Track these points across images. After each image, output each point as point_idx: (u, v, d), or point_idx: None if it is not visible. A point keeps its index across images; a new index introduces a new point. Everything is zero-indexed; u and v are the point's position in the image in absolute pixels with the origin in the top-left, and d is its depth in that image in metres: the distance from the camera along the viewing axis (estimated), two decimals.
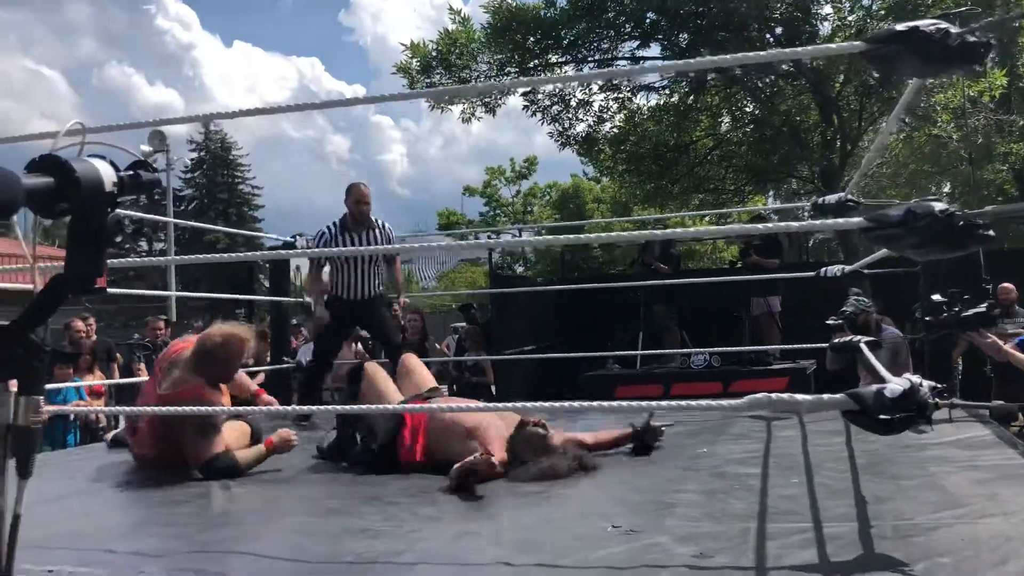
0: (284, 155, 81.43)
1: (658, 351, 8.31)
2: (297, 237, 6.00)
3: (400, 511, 2.88)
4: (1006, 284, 7.76)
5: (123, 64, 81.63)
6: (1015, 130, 16.56)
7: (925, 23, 2.20)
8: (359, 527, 2.61)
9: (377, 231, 5.66)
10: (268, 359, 6.84)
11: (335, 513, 2.89)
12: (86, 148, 1.28)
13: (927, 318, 4.81)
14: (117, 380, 7.76)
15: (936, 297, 5.13)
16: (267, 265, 9.30)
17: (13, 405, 1.21)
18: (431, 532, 2.55)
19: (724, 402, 2.34)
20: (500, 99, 13.47)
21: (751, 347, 7.89)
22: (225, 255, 3.85)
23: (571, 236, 3.81)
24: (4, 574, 1.19)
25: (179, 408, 3.27)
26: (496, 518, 2.68)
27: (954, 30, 2.20)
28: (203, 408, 3.44)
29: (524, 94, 13.36)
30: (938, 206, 2.02)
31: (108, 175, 1.22)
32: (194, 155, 44.42)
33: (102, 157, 1.24)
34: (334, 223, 5.65)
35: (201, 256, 3.98)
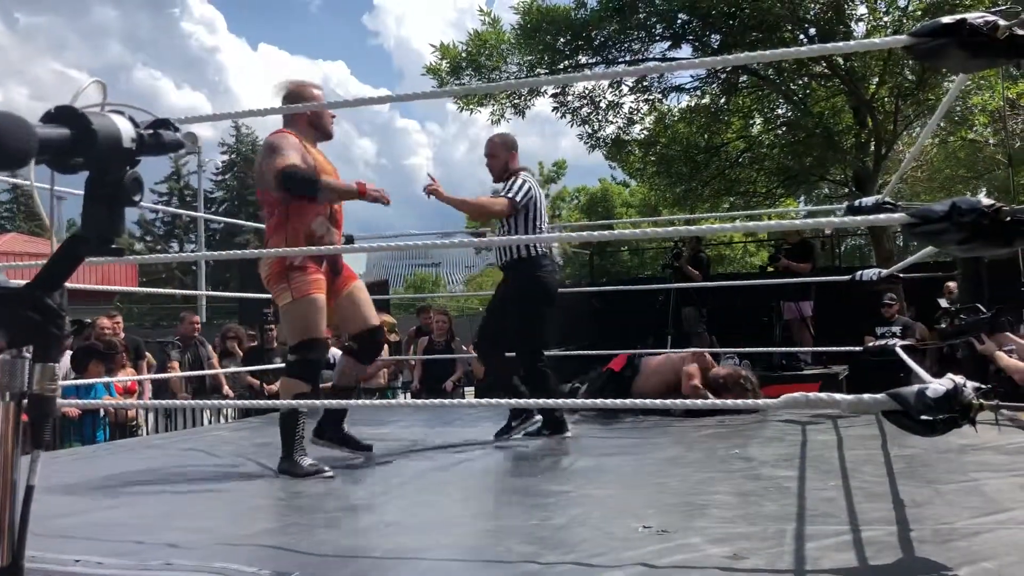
0: None
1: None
2: None
3: (427, 508, 2.86)
4: (951, 283, 7.64)
5: (149, 67, 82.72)
6: None
7: (973, 16, 2.14)
8: (386, 521, 2.59)
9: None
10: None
11: (358, 509, 2.88)
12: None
13: (937, 326, 4.90)
14: (148, 376, 7.82)
15: (943, 303, 5.20)
16: None
17: (28, 372, 1.18)
18: (459, 529, 2.52)
19: (760, 401, 2.28)
20: (529, 101, 13.44)
21: (782, 349, 7.79)
22: (254, 251, 3.88)
23: (597, 232, 3.67)
24: (17, 545, 1.16)
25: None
26: (525, 516, 2.65)
27: (1002, 22, 2.14)
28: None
29: (554, 95, 13.31)
30: (985, 201, 1.96)
31: (127, 131, 1.19)
32: (225, 157, 44.93)
33: (121, 113, 1.21)
34: None
35: (231, 252, 4.02)
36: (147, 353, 8.55)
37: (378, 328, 3.99)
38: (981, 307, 4.51)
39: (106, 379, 6.72)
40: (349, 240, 6.02)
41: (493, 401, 2.86)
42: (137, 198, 1.21)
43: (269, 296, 9.06)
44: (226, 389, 8.17)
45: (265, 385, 8.27)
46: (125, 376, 7.31)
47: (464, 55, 12.88)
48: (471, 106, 13.43)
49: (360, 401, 3.69)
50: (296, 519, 2.72)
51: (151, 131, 1.25)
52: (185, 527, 2.62)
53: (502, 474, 3.65)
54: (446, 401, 3.64)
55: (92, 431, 6.68)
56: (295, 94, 3.83)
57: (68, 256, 1.21)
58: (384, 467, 3.76)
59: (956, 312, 4.94)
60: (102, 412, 6.75)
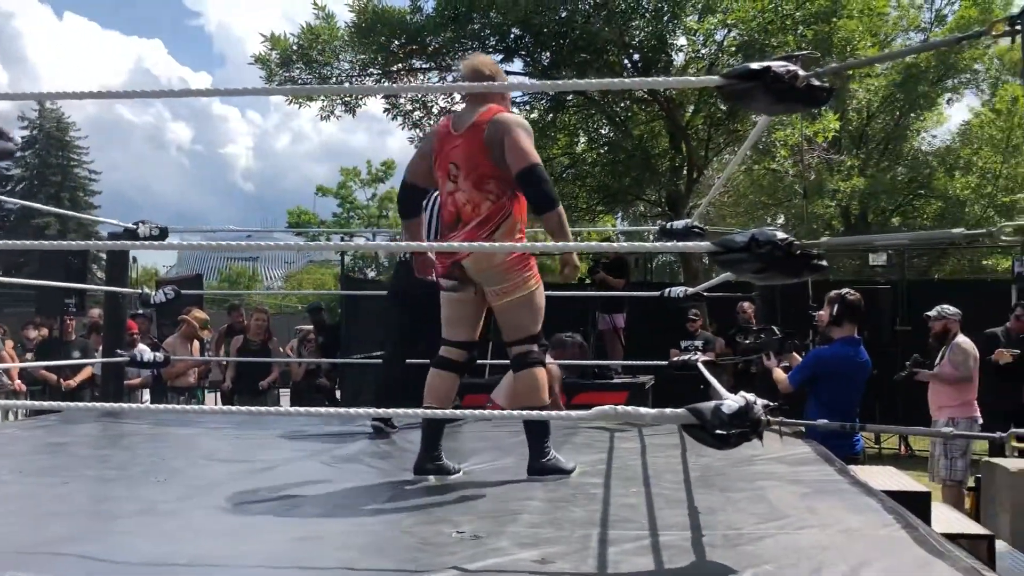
0: (120, 139, 77.36)
1: (506, 361, 8.41)
2: (140, 225, 5.64)
3: (238, 514, 2.79)
4: (745, 303, 8.40)
5: None
6: (843, 169, 17.91)
7: (777, 64, 2.35)
8: (193, 527, 2.52)
9: None
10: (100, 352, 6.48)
11: (162, 515, 2.77)
12: None
13: (738, 340, 5.44)
14: None
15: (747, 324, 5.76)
16: (102, 253, 8.82)
17: None
18: (272, 536, 2.49)
19: (573, 412, 2.41)
20: (360, 99, 13.31)
21: (594, 363, 8.11)
22: (62, 243, 3.64)
23: (429, 243, 3.70)
24: None
25: None
26: (341, 523, 2.64)
27: (802, 73, 2.36)
28: None
29: (385, 97, 13.24)
30: (779, 235, 2.16)
31: None
32: (25, 133, 41.60)
33: None
34: None
35: (31, 243, 3.75)
36: None
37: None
38: (775, 329, 4.96)
39: None
40: (163, 233, 5.75)
41: (319, 411, 2.83)
42: None
43: (70, 285, 8.51)
44: (17, 383, 7.61)
45: (62, 380, 7.76)
46: None
47: (295, 48, 12.60)
48: (299, 100, 13.16)
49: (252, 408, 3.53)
50: (96, 525, 2.59)
51: None
52: None
53: (319, 481, 3.60)
54: (303, 409, 3.54)
55: None
56: (494, 75, 3.57)
57: None
58: (193, 471, 3.63)
59: (757, 331, 5.45)
60: None
